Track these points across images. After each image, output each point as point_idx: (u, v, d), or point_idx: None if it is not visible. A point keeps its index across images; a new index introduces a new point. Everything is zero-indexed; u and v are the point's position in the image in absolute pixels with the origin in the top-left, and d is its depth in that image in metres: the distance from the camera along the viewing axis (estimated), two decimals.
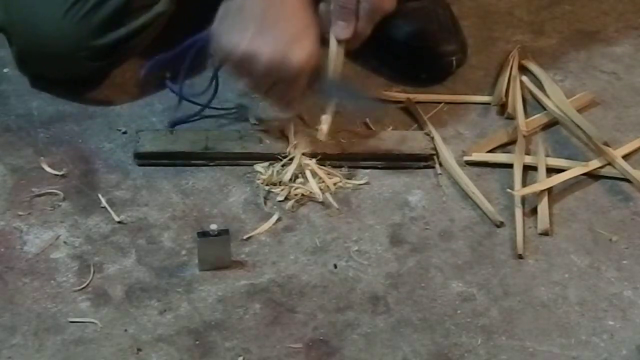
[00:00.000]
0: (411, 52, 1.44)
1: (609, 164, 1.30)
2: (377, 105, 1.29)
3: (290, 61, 1.17)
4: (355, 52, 1.28)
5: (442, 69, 1.45)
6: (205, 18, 1.22)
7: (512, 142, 1.34)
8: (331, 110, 1.28)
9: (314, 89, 1.24)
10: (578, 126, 1.35)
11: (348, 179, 1.27)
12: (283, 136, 1.30)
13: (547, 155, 1.31)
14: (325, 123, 1.27)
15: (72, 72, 1.34)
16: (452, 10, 1.48)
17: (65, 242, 1.17)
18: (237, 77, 1.23)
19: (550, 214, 1.23)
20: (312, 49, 1.19)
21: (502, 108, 1.40)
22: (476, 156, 1.31)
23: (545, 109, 1.40)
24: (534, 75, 1.46)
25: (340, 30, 1.22)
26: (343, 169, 1.28)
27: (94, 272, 1.13)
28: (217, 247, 1.13)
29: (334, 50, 1.24)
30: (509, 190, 1.25)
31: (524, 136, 1.33)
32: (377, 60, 1.47)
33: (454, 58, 1.43)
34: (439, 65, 1.44)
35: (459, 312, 1.11)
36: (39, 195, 1.23)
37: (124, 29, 1.31)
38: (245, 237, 1.19)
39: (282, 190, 1.24)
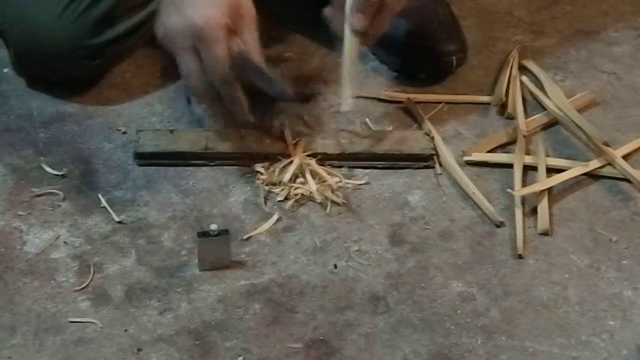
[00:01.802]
0: (411, 51, 1.44)
1: (609, 164, 1.30)
2: (286, 86, 1.26)
3: (192, 25, 1.18)
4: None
5: (442, 69, 1.45)
6: None
7: (512, 142, 1.34)
8: (351, 72, 1.26)
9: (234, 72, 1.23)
10: (578, 126, 1.35)
11: (348, 179, 1.27)
12: (283, 136, 1.30)
13: (547, 155, 1.31)
14: (347, 86, 1.26)
15: (69, 72, 1.34)
16: (452, 10, 1.48)
17: (65, 242, 1.17)
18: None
19: (550, 214, 1.23)
20: (214, 12, 1.19)
21: (502, 108, 1.40)
22: (476, 156, 1.31)
23: (545, 109, 1.40)
24: (534, 75, 1.46)
25: (358, 21, 1.22)
26: (343, 169, 1.28)
27: (94, 272, 1.13)
28: (217, 247, 1.13)
29: (349, 44, 1.24)
30: (509, 190, 1.25)
31: (524, 136, 1.33)
32: (377, 60, 1.48)
33: (454, 57, 1.43)
34: (439, 64, 1.44)
35: (459, 312, 1.11)
36: (39, 195, 1.23)
37: (119, 27, 1.32)
38: (245, 237, 1.19)
39: (282, 190, 1.24)
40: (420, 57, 1.44)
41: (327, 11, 1.26)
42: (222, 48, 1.20)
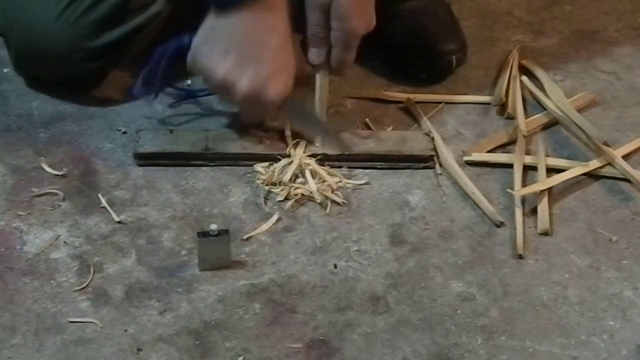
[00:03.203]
0: (411, 51, 1.44)
1: (609, 164, 1.30)
2: (337, 138, 1.30)
3: (265, 96, 1.22)
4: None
5: (441, 68, 1.45)
6: (202, 19, 1.23)
7: (512, 142, 1.34)
8: (322, 116, 1.30)
9: (284, 111, 1.28)
10: (578, 126, 1.35)
11: (348, 179, 1.27)
12: (283, 136, 1.30)
13: (547, 155, 1.31)
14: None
15: (69, 73, 1.34)
16: (451, 10, 1.48)
17: (65, 242, 1.17)
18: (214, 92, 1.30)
19: (550, 214, 1.23)
20: (287, 85, 1.24)
21: (502, 108, 1.40)
22: (476, 156, 1.31)
23: (545, 109, 1.40)
24: (534, 75, 1.46)
25: (312, 56, 1.26)
26: (343, 169, 1.28)
27: (94, 272, 1.13)
28: (217, 247, 1.13)
29: (319, 79, 1.28)
30: (509, 190, 1.25)
31: (524, 136, 1.33)
32: (377, 60, 1.48)
33: (453, 57, 1.43)
34: (439, 64, 1.44)
35: (459, 312, 1.11)
36: (39, 195, 1.23)
37: (119, 30, 1.31)
38: (245, 237, 1.19)
39: (282, 190, 1.24)
40: (420, 57, 1.44)
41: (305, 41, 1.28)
42: (277, 108, 1.25)
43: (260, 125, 1.31)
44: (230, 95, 1.24)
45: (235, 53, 1.21)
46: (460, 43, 1.46)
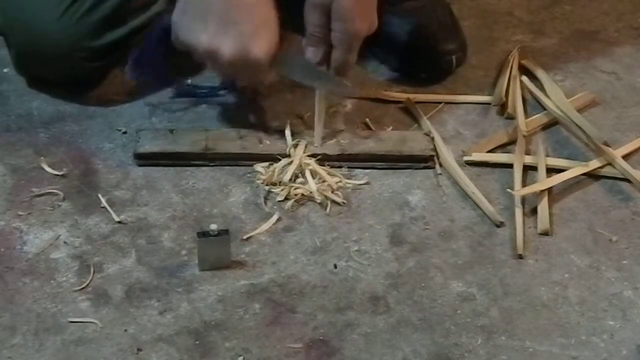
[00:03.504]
0: (411, 51, 1.44)
1: (609, 164, 1.30)
2: (342, 85, 1.27)
3: (251, 55, 1.21)
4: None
5: (441, 68, 1.45)
6: None
7: (512, 142, 1.34)
8: (321, 117, 1.29)
9: (278, 70, 1.28)
10: (578, 126, 1.35)
11: (348, 179, 1.27)
12: (283, 136, 1.30)
13: (547, 155, 1.31)
14: (318, 129, 1.29)
15: (70, 73, 1.34)
16: (451, 9, 1.48)
17: (65, 242, 1.17)
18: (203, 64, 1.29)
19: (550, 214, 1.23)
20: (271, 42, 1.22)
21: (502, 108, 1.40)
22: (476, 156, 1.31)
23: (545, 109, 1.40)
24: (534, 75, 1.46)
25: (310, 55, 1.25)
26: (343, 169, 1.28)
27: (94, 272, 1.13)
28: (217, 247, 1.13)
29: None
30: (509, 190, 1.25)
31: (524, 136, 1.33)
32: (377, 60, 1.48)
33: (453, 57, 1.43)
34: (439, 64, 1.44)
35: (459, 312, 1.11)
36: (39, 195, 1.23)
37: (121, 30, 1.31)
38: (245, 237, 1.19)
39: (282, 190, 1.24)
40: (420, 57, 1.44)
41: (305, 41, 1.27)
42: (269, 65, 1.24)
43: (259, 89, 1.30)
44: (217, 62, 1.23)
45: (213, 20, 1.20)
46: (460, 43, 1.46)
